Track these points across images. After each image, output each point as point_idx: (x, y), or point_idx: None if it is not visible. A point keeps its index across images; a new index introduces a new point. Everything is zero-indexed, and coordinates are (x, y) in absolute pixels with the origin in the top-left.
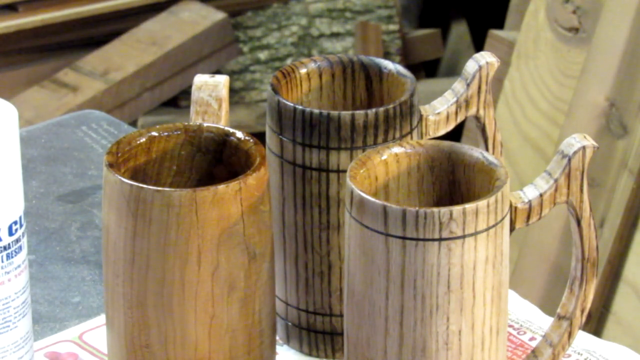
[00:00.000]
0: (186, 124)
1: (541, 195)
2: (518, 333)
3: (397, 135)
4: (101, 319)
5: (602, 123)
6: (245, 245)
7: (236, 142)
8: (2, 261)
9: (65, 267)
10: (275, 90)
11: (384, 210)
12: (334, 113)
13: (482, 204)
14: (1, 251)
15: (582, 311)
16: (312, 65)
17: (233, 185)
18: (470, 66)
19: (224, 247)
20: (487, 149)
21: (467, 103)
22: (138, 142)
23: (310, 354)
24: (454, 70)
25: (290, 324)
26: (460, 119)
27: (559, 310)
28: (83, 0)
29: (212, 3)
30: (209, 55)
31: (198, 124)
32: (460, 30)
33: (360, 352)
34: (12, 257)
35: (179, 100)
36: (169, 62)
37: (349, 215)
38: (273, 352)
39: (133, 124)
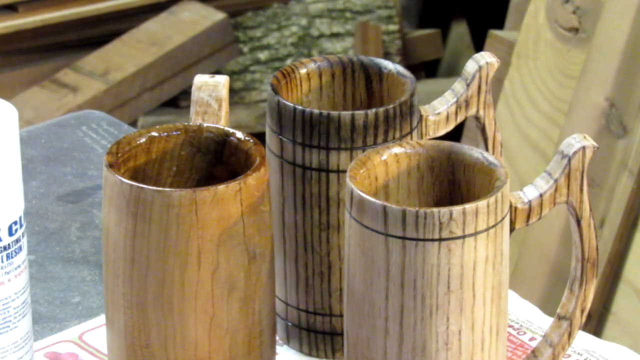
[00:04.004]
0: (186, 124)
1: (541, 195)
2: (518, 333)
3: (397, 135)
4: (101, 319)
5: (602, 123)
6: (245, 246)
7: (236, 142)
8: (2, 261)
9: (65, 267)
10: (275, 91)
11: (384, 210)
12: (334, 113)
13: (482, 204)
14: (1, 251)
15: (582, 311)
16: (312, 66)
17: (233, 185)
18: (470, 66)
19: (223, 248)
20: (487, 149)
21: (467, 103)
22: (138, 142)
23: (310, 354)
24: (454, 71)
25: (290, 324)
26: (460, 119)
27: (559, 310)
28: (83, 0)
29: (212, 3)
30: (209, 55)
31: (198, 124)
32: (460, 30)
33: (360, 352)
34: (12, 257)
35: (179, 100)
36: (169, 62)
37: (349, 215)
38: (273, 352)
39: (133, 124)
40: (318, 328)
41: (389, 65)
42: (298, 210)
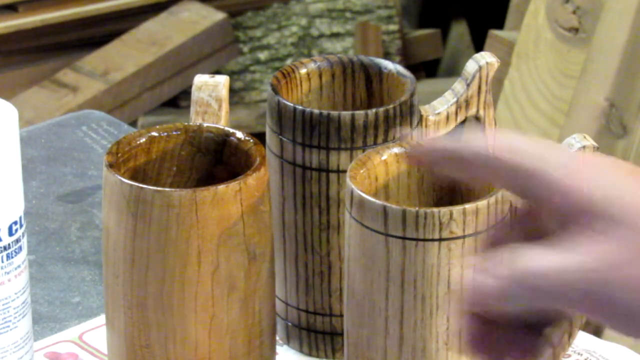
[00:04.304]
0: (186, 124)
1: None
2: None
3: (398, 135)
4: (101, 319)
5: (602, 123)
6: (245, 246)
7: (236, 142)
8: (2, 261)
9: (65, 267)
10: (275, 91)
11: (384, 210)
12: (334, 113)
13: (482, 204)
14: (1, 251)
15: None
16: (312, 66)
17: (233, 185)
18: (470, 66)
19: (224, 247)
20: None
21: (467, 103)
22: (138, 142)
23: (310, 354)
24: (454, 70)
25: (290, 324)
26: (460, 119)
27: None
28: (83, 0)
29: (212, 3)
30: (209, 55)
31: (198, 124)
32: (460, 30)
33: (360, 352)
34: (12, 257)
35: (179, 100)
36: (169, 62)
37: (349, 215)
38: (273, 353)
39: (133, 124)
40: (318, 328)
41: (389, 65)
42: (298, 210)
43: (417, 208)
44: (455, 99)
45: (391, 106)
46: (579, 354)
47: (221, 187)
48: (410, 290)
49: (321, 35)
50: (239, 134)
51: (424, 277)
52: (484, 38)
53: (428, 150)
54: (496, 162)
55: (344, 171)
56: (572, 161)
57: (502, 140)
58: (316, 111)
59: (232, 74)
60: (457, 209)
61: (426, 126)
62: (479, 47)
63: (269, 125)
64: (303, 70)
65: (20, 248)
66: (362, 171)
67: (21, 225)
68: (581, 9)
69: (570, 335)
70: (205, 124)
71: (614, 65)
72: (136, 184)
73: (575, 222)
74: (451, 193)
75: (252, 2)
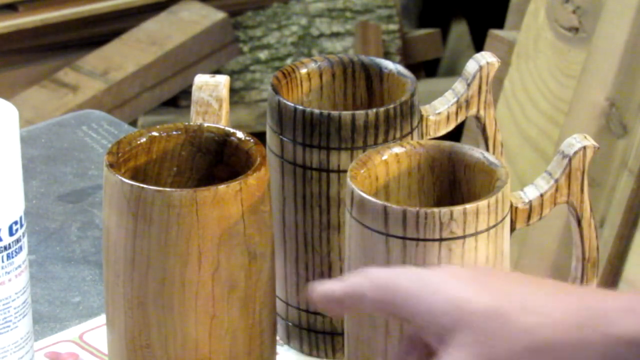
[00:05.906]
0: (187, 124)
1: (542, 195)
2: None
3: (398, 135)
4: (101, 319)
5: (602, 123)
6: (246, 246)
7: (237, 142)
8: (3, 261)
9: (66, 267)
10: (276, 90)
11: (385, 210)
12: (335, 113)
13: (482, 204)
14: (1, 251)
15: None
16: (313, 65)
17: (233, 185)
18: (471, 66)
19: (224, 247)
20: (487, 149)
21: (468, 103)
22: (138, 142)
23: (310, 354)
24: (454, 70)
25: (290, 324)
26: (460, 119)
27: None
28: (83, 0)
29: (212, 3)
30: (209, 55)
31: (198, 124)
32: (460, 30)
33: (360, 352)
34: (12, 257)
35: (179, 100)
36: (169, 62)
37: (349, 215)
38: (273, 352)
39: (133, 123)
40: (318, 328)
41: (389, 65)
42: (298, 210)
43: (417, 208)
44: (455, 99)
45: (392, 106)
46: None
47: (222, 187)
48: None
49: (321, 35)
50: (240, 134)
51: None
52: (484, 38)
53: (324, 301)
54: (371, 300)
55: (345, 171)
56: (424, 287)
57: (372, 278)
58: (316, 111)
59: (232, 74)
60: (457, 209)
61: (427, 126)
62: (479, 47)
63: (270, 125)
64: (303, 70)
65: (20, 248)
66: (362, 171)
67: (21, 225)
68: (581, 8)
69: None
70: (205, 124)
71: (614, 65)
72: (137, 183)
73: (441, 339)
74: (452, 193)
75: (252, 1)
